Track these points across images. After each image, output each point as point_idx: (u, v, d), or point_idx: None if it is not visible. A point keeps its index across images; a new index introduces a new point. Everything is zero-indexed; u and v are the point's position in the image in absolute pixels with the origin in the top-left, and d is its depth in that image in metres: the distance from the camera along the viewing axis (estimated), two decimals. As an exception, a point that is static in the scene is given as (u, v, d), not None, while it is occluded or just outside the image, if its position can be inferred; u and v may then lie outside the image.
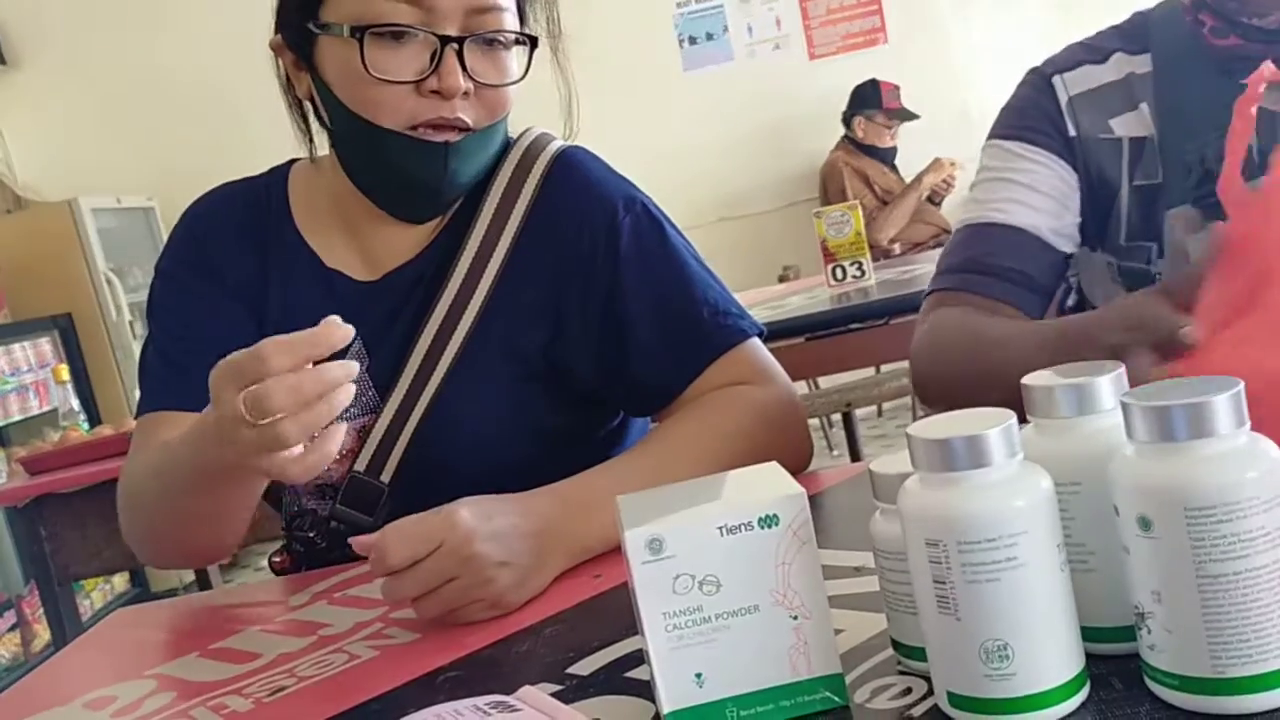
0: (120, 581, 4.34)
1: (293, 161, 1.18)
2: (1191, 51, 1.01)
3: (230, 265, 1.11)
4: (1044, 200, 1.06)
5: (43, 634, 3.85)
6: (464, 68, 0.97)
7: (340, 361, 0.77)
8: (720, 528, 0.56)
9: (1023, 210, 1.05)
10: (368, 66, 0.96)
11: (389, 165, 1.02)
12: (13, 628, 3.82)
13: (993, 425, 0.51)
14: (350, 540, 0.81)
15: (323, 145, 1.11)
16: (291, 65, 1.06)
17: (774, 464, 0.64)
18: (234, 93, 4.68)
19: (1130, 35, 1.11)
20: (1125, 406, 0.51)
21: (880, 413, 5.01)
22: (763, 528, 0.56)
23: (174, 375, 1.08)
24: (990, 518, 0.50)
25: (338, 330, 0.76)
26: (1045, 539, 0.51)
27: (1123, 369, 0.56)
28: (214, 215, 1.15)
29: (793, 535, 0.56)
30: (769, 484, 0.59)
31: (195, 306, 1.11)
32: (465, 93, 0.98)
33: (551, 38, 1.10)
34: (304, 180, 1.15)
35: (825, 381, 3.42)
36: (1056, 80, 1.11)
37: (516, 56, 1.02)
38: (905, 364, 3.69)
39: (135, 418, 1.11)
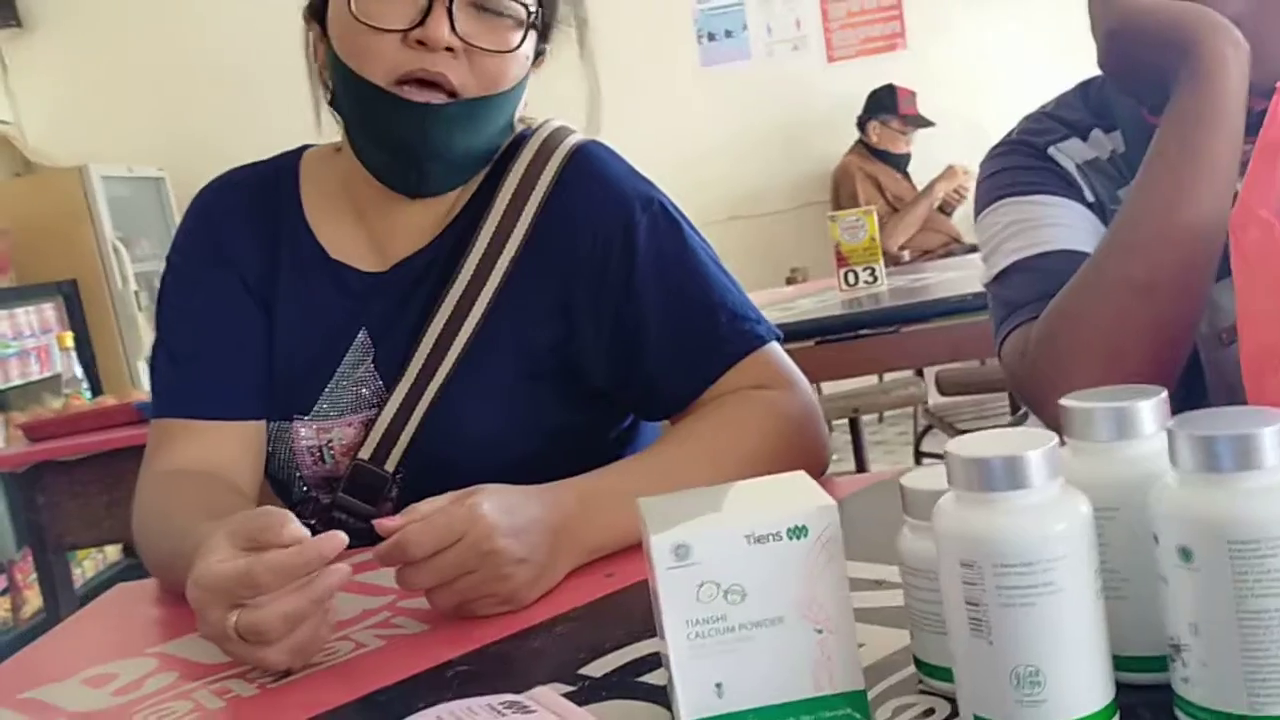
0: (113, 551, 4.33)
1: (305, 148, 1.16)
2: (1149, 131, 0.99)
3: (242, 255, 1.10)
4: (1084, 234, 1.01)
5: (34, 600, 3.84)
6: (453, 25, 0.96)
7: (334, 567, 0.73)
8: (748, 536, 0.55)
9: (1068, 232, 1.02)
10: (354, 10, 0.96)
11: (374, 124, 1.01)
12: (3, 592, 3.81)
13: (1034, 446, 0.50)
14: (374, 521, 0.80)
15: (336, 132, 1.10)
16: (318, 35, 1.05)
17: (802, 473, 0.63)
18: (249, 66, 4.68)
19: (1100, 111, 1.08)
20: (1171, 434, 0.50)
21: (881, 418, 5.01)
22: (791, 539, 0.55)
23: (183, 381, 1.08)
24: (1029, 541, 0.49)
25: (330, 544, 0.73)
26: (1083, 565, 0.50)
27: (1165, 394, 0.56)
28: (225, 203, 1.13)
29: (821, 548, 0.55)
30: (799, 494, 0.58)
31: (206, 302, 1.09)
32: (452, 50, 0.96)
33: (578, 27, 1.09)
34: (317, 166, 1.13)
35: (828, 387, 3.41)
36: (1053, 151, 1.07)
37: (530, 41, 1.01)
38: (910, 373, 3.68)
39: (150, 419, 1.11)
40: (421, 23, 0.95)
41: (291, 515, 0.75)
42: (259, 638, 0.72)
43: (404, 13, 0.96)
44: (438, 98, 0.98)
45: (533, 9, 1.01)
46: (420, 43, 0.96)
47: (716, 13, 4.99)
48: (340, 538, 0.74)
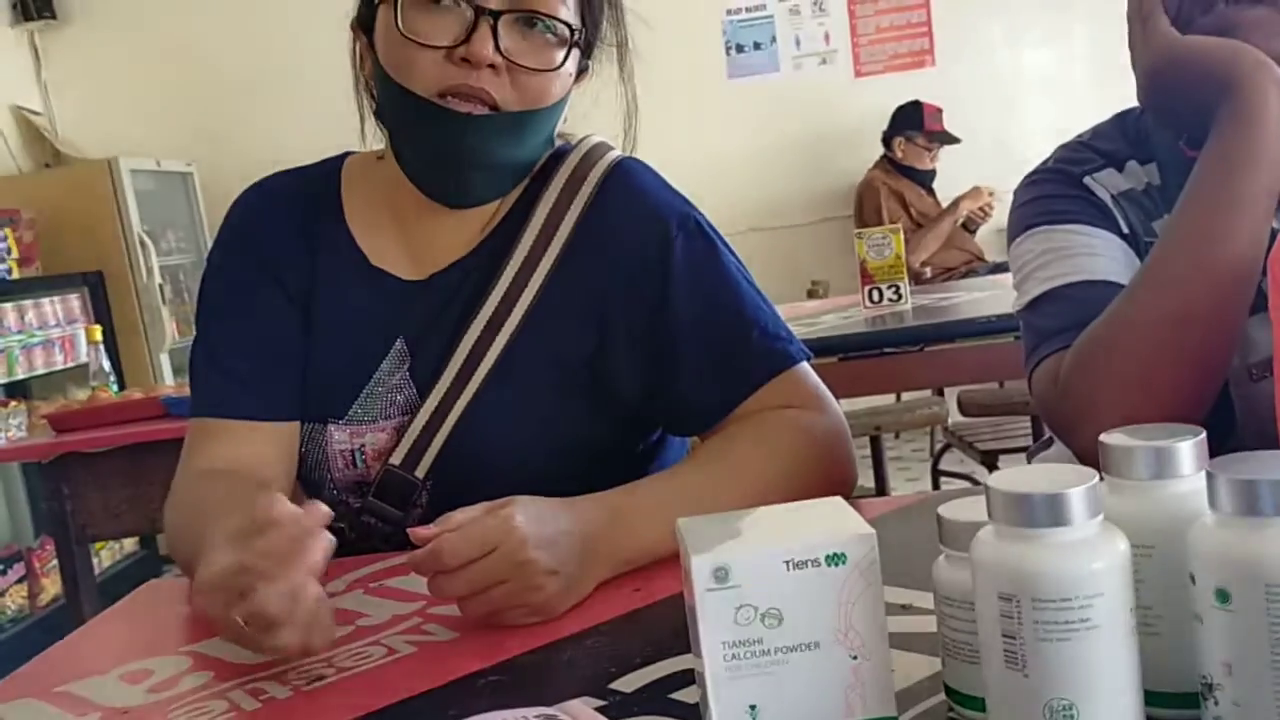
0: (130, 542, 4.36)
1: (347, 154, 1.18)
2: (1186, 164, 0.99)
3: (282, 258, 1.11)
4: (1117, 264, 1.02)
5: (50, 588, 3.87)
6: (497, 43, 0.97)
7: (320, 535, 0.76)
8: (787, 562, 0.56)
9: (1102, 262, 1.03)
10: (401, 26, 0.97)
11: (415, 134, 1.02)
12: (20, 580, 3.84)
13: (1076, 484, 0.51)
14: (409, 530, 0.81)
15: (379, 140, 1.11)
16: (365, 47, 1.07)
17: (839, 499, 0.64)
18: (281, 66, 4.72)
19: (1137, 143, 1.08)
20: (1211, 477, 0.50)
21: (898, 436, 5.01)
22: (830, 565, 0.56)
23: (222, 380, 1.09)
24: (1068, 578, 0.50)
25: (312, 516, 0.76)
26: (1120, 602, 0.51)
27: (1204, 435, 0.56)
28: (267, 206, 1.14)
29: (859, 575, 0.56)
30: (837, 521, 0.59)
31: (245, 304, 1.10)
32: (495, 67, 0.97)
33: (618, 47, 1.10)
34: (359, 173, 1.15)
35: (848, 404, 3.42)
36: (1089, 181, 1.07)
37: (571, 59, 1.02)
38: (928, 392, 3.68)
39: (174, 415, 1.12)
40: (466, 39, 0.97)
41: (278, 496, 0.77)
42: (266, 621, 0.73)
43: (449, 29, 0.97)
44: (479, 109, 0.99)
45: (576, 28, 1.02)
46: (464, 59, 0.97)
47: (746, 24, 5.00)
48: (322, 508, 0.77)
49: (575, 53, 1.03)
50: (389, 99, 1.03)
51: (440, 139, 1.01)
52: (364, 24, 1.06)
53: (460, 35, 0.97)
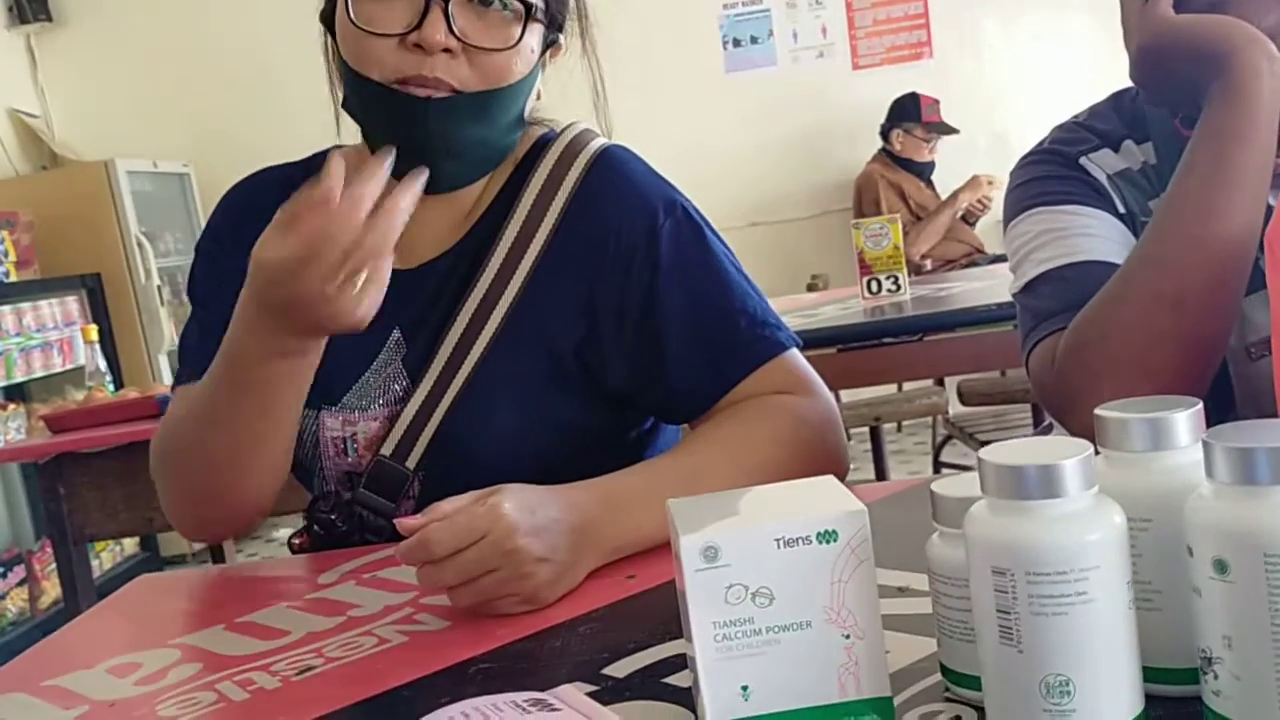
0: (130, 544, 4.35)
1: (334, 149, 1.17)
2: (1182, 143, 0.97)
3: None
4: (1114, 245, 1.00)
5: (51, 591, 3.86)
6: (451, 26, 0.95)
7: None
8: (778, 540, 0.55)
9: (1099, 243, 1.01)
10: (352, 15, 0.96)
11: (379, 121, 1.01)
12: (21, 583, 3.84)
13: (1069, 455, 0.50)
14: (396, 520, 0.80)
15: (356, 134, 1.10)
16: (333, 40, 1.06)
17: (830, 477, 0.63)
18: (276, 65, 4.70)
19: (1132, 122, 1.07)
20: (1207, 445, 0.49)
21: (900, 428, 5.00)
22: (821, 543, 0.55)
23: (213, 348, 1.08)
24: (1063, 550, 0.49)
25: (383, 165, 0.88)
26: (1116, 575, 0.49)
27: (1200, 406, 0.55)
28: (253, 197, 1.14)
29: (851, 552, 0.55)
30: (828, 498, 0.58)
31: (234, 283, 1.09)
32: (449, 51, 0.96)
33: (579, 20, 1.09)
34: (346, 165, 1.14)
35: (848, 395, 3.40)
36: (1085, 162, 1.06)
37: (532, 34, 1.00)
38: (930, 382, 3.67)
39: (172, 388, 1.11)
40: (418, 25, 0.95)
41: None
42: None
43: (401, 15, 0.96)
44: (439, 93, 0.97)
45: (534, 3, 0.99)
46: (418, 45, 0.95)
47: (743, 18, 4.99)
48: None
49: (537, 27, 1.01)
50: (351, 89, 1.02)
51: (403, 124, 0.98)
52: (327, 20, 1.04)
53: (412, 21, 0.95)
